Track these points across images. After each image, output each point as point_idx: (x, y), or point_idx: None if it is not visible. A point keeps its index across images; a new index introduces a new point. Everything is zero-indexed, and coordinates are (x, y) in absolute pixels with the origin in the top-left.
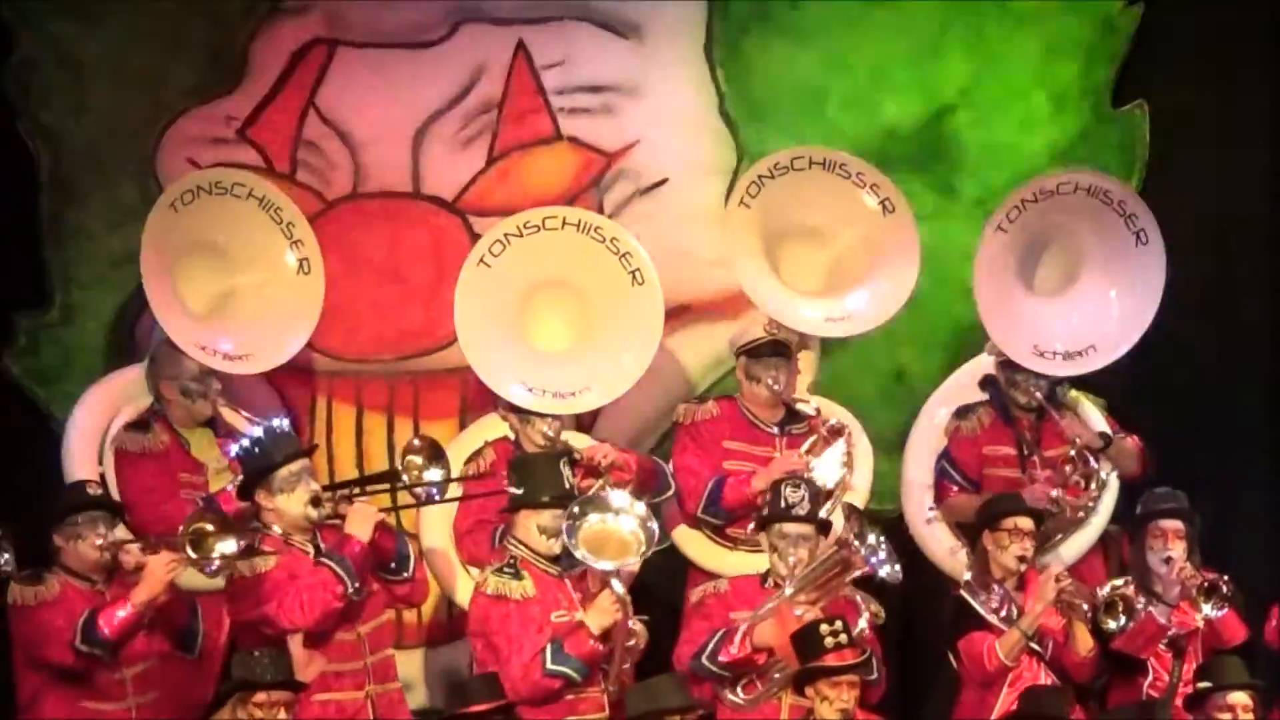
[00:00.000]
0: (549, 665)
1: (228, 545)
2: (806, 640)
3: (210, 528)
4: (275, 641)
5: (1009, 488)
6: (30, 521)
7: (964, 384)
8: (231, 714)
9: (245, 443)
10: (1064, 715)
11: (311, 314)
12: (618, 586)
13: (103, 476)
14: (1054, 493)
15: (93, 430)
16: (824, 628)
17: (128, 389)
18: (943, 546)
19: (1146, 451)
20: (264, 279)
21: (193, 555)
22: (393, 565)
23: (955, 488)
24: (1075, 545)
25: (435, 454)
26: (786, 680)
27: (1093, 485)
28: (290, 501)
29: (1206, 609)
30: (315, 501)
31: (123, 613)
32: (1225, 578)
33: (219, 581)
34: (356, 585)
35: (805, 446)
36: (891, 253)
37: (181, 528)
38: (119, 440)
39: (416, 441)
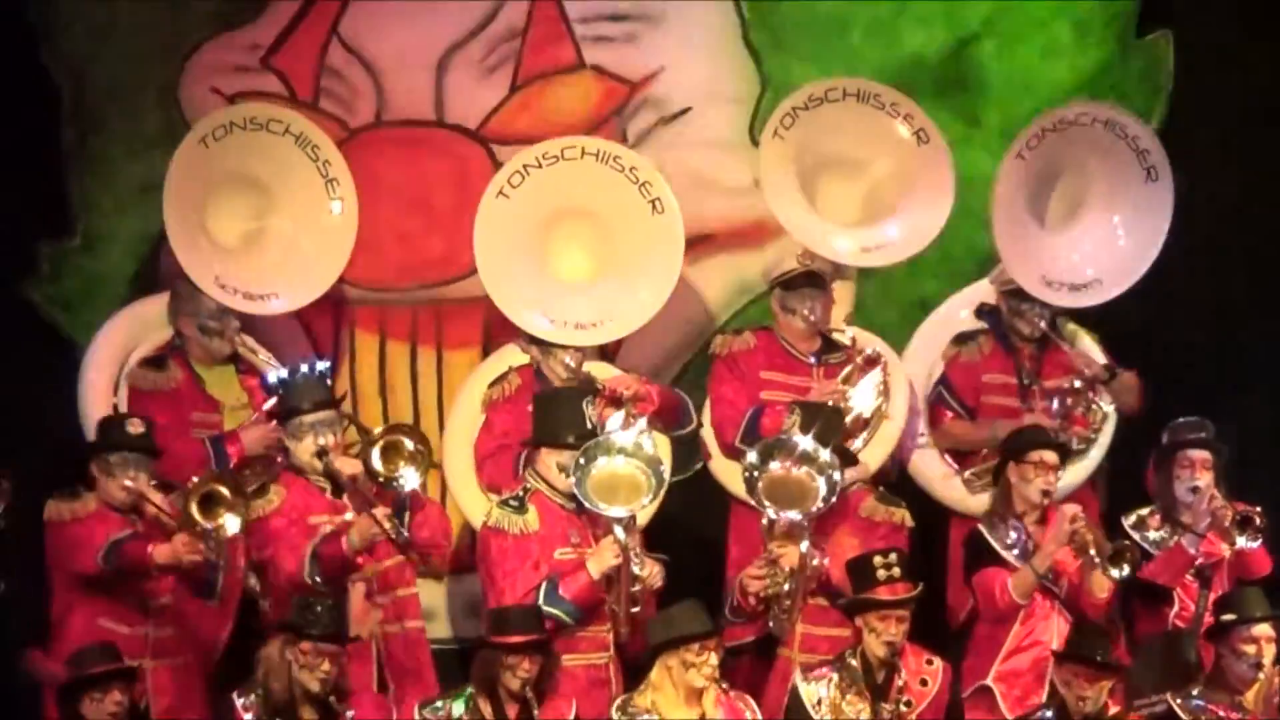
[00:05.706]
0: (540, 605)
1: (233, 523)
2: (859, 571)
3: (225, 492)
4: (337, 591)
5: (1005, 416)
6: (64, 448)
7: (960, 309)
8: (279, 653)
9: (284, 375)
10: (1106, 657)
11: (340, 257)
12: (619, 533)
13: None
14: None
15: (111, 361)
16: (877, 559)
17: (148, 320)
18: (935, 472)
19: (1144, 386)
20: (298, 219)
21: (200, 521)
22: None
23: (950, 413)
24: (1071, 477)
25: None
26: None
27: (1095, 417)
28: (299, 449)
29: (1241, 540)
30: (320, 454)
31: (143, 553)
32: (1259, 509)
33: None
34: (317, 579)
35: (842, 376)
36: (926, 183)
37: (192, 484)
38: (133, 377)
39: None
